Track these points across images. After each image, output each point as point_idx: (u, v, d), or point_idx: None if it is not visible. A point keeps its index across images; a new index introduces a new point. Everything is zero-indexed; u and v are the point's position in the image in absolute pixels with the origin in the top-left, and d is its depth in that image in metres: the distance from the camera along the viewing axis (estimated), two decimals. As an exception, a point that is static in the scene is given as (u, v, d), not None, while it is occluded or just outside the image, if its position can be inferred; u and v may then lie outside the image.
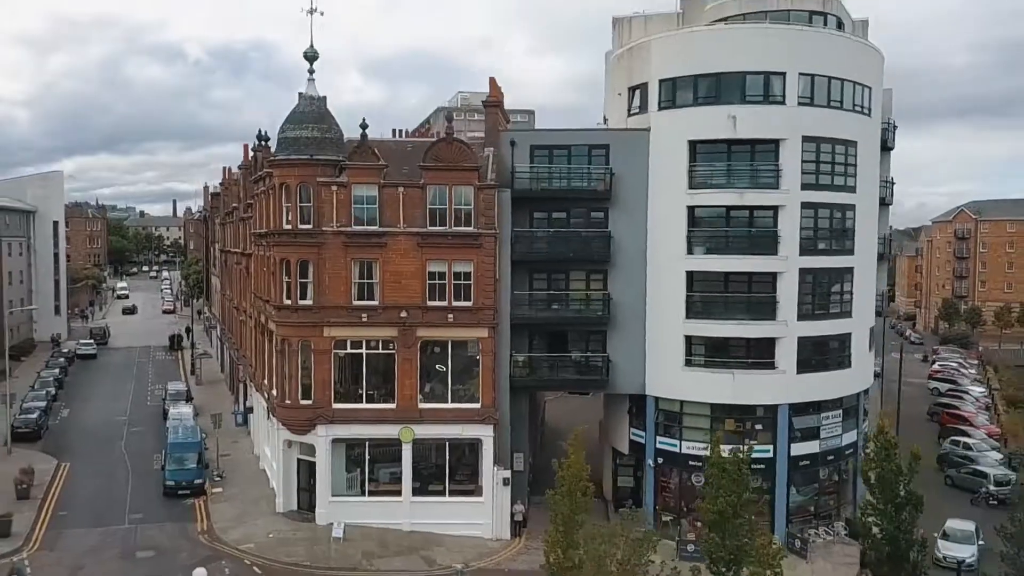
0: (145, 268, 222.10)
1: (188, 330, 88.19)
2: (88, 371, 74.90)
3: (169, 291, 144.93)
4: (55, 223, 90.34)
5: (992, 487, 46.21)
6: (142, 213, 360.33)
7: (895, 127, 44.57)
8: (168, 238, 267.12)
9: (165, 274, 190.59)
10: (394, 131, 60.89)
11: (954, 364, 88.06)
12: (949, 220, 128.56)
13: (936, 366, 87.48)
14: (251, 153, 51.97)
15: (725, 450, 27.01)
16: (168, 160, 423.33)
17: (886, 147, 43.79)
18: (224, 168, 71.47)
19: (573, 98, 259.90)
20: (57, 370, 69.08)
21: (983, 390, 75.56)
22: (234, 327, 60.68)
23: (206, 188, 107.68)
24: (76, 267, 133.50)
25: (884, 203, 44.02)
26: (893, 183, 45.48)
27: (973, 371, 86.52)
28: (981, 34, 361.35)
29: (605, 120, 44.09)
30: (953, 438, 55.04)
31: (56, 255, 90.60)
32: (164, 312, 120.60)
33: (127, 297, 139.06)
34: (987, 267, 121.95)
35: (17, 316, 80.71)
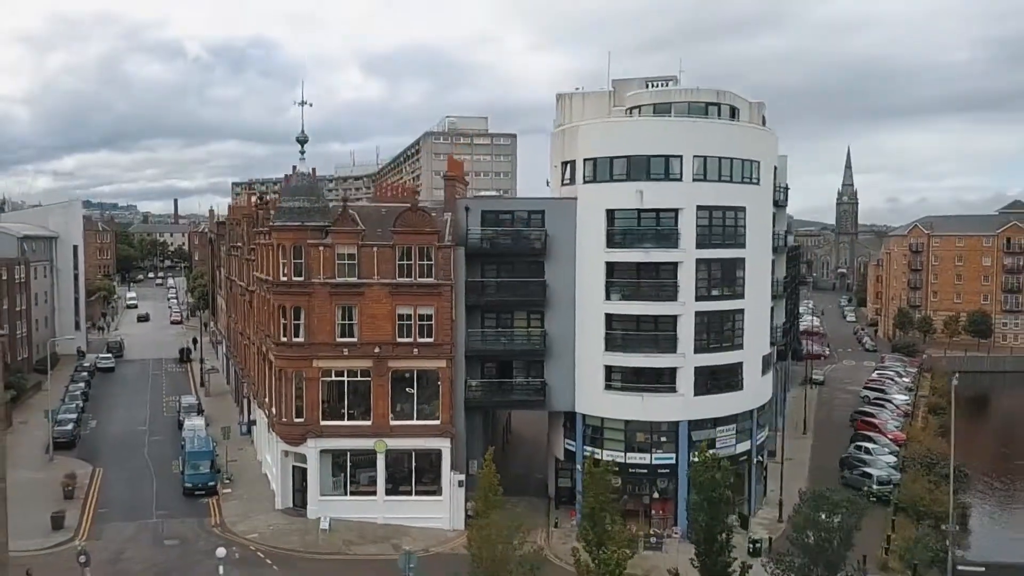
0: (151, 275, 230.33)
1: (195, 341, 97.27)
2: (108, 383, 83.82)
3: (176, 300, 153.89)
4: (75, 247, 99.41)
5: (875, 486, 55.12)
6: (145, 217, 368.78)
7: (787, 189, 53.44)
8: (172, 244, 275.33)
9: (171, 282, 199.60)
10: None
11: (891, 372, 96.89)
12: (904, 234, 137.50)
13: (875, 374, 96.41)
14: (239, 195, 60.88)
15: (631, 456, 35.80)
16: (169, 157, 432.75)
17: (779, 205, 52.66)
18: (229, 206, 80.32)
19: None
20: (83, 384, 77.99)
21: (906, 398, 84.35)
22: (239, 348, 69.61)
23: (212, 212, 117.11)
24: (88, 279, 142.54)
25: (777, 250, 52.87)
26: (788, 233, 54.25)
27: (907, 380, 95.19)
28: (983, 30, 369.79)
29: (548, 183, 52.96)
30: (858, 443, 63.99)
31: (76, 276, 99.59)
32: (172, 323, 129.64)
33: (137, 307, 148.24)
34: (938, 279, 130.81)
35: (43, 332, 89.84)
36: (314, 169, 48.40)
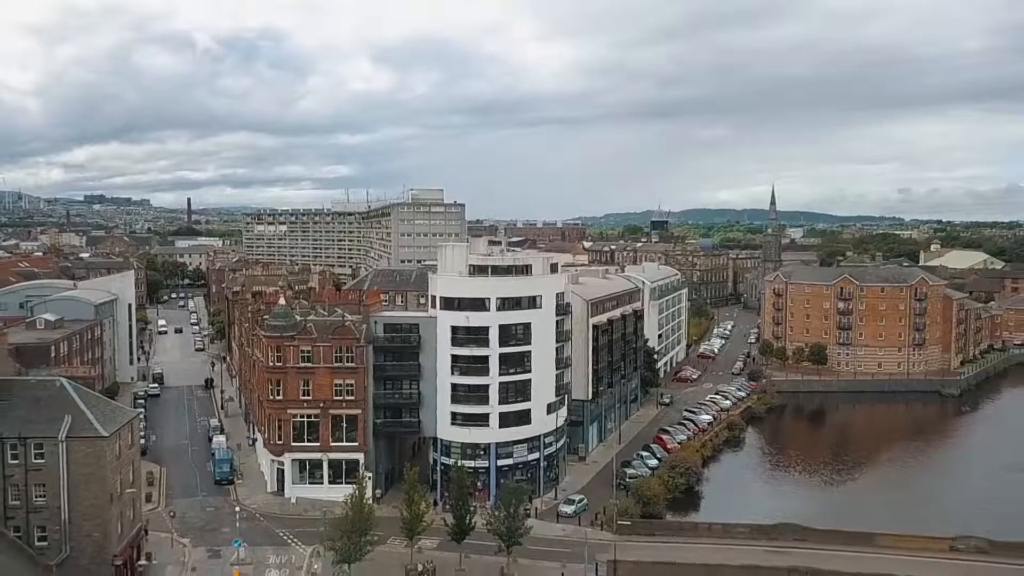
0: (173, 295, 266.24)
1: (213, 365, 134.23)
2: (157, 407, 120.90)
3: (197, 327, 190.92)
4: (129, 305, 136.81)
5: (627, 479, 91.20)
6: (164, 237, 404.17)
7: (569, 304, 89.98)
8: (191, 264, 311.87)
9: (191, 304, 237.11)
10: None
11: (720, 396, 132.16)
12: (771, 280, 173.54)
13: (707, 397, 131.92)
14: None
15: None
16: (179, 149, 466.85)
17: (564, 312, 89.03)
18: (241, 287, 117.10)
19: (581, 84, 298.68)
20: (142, 409, 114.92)
21: (709, 417, 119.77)
22: (246, 388, 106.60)
23: (232, 259, 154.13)
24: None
25: (563, 339, 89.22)
26: (570, 332, 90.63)
27: (729, 402, 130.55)
28: (994, 18, 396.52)
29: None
30: (639, 452, 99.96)
31: (130, 326, 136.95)
32: (196, 351, 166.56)
33: (167, 333, 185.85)
34: (793, 316, 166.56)
35: (107, 369, 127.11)
36: (289, 296, 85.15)
